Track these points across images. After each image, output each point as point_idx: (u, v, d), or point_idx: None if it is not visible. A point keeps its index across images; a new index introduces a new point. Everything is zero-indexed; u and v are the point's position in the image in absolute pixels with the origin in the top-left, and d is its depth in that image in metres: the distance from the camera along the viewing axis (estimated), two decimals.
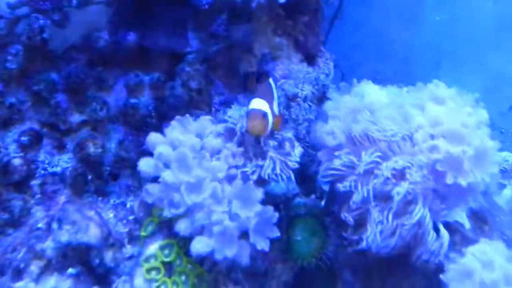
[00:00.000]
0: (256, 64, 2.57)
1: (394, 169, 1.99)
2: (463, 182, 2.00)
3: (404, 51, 3.32)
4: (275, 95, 2.12)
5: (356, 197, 2.01)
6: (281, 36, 2.66)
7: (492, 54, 3.27)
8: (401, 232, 1.99)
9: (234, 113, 2.16)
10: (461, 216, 2.14)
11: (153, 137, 2.07)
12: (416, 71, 3.24)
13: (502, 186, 2.43)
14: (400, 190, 1.97)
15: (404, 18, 3.30)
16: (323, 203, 2.53)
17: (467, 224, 2.13)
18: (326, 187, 2.53)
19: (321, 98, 2.65)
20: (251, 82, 2.27)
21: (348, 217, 2.05)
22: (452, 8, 3.29)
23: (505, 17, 3.24)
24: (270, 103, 2.03)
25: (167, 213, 1.95)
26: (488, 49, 3.26)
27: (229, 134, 2.13)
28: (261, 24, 2.58)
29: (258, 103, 1.99)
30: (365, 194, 2.01)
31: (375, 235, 1.98)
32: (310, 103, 2.60)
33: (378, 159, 2.01)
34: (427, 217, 2.00)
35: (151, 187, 2.01)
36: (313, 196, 2.60)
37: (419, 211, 1.98)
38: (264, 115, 1.95)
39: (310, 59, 2.77)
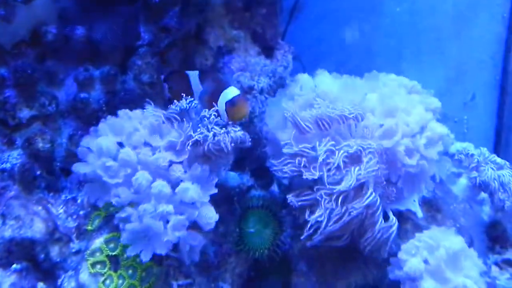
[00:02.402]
0: (211, 56, 2.55)
1: (346, 155, 1.98)
2: (412, 164, 1.99)
3: (366, 42, 3.31)
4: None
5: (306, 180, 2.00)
6: (238, 29, 2.65)
7: (453, 43, 3.27)
8: (348, 216, 1.97)
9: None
10: (413, 205, 2.15)
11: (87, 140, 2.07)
12: (378, 62, 3.24)
13: (459, 175, 2.43)
14: (351, 175, 1.95)
15: (366, 9, 3.29)
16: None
17: (419, 213, 2.14)
18: (285, 180, 2.50)
19: (278, 90, 2.63)
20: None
21: (293, 201, 2.02)
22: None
23: (465, 6, 3.24)
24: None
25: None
26: (449, 38, 3.26)
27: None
28: (216, 15, 2.56)
29: (233, 91, 2.09)
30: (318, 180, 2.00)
31: (324, 218, 1.96)
32: (267, 95, 2.59)
33: (332, 148, 2.00)
34: (377, 202, 1.99)
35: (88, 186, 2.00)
36: (272, 188, 2.58)
37: (370, 196, 1.97)
38: (247, 98, 2.06)
39: (268, 51, 2.75)
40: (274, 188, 2.55)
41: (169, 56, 2.47)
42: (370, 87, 2.26)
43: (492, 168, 2.33)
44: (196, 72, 2.24)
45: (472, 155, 2.40)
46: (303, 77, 2.29)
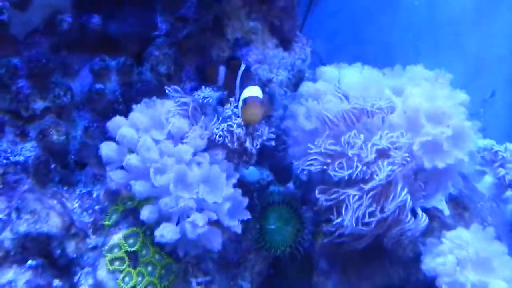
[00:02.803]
0: (228, 49, 2.49)
1: (375, 150, 1.91)
2: (441, 164, 1.93)
3: (383, 36, 3.24)
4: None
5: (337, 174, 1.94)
6: (256, 20, 2.58)
7: (472, 38, 3.21)
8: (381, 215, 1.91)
9: (202, 93, 2.05)
10: (440, 203, 2.09)
11: (115, 121, 1.97)
12: (395, 56, 3.18)
13: (484, 173, 2.37)
14: (381, 171, 1.89)
15: (383, 3, 3.23)
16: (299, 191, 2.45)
17: (446, 211, 2.10)
18: (303, 176, 2.44)
19: (297, 83, 2.59)
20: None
21: (321, 199, 1.95)
22: None
23: (484, 1, 3.17)
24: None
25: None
26: (468, 33, 3.20)
27: (196, 114, 2.04)
28: (234, 7, 2.50)
29: (253, 91, 1.94)
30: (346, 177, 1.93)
31: (353, 216, 1.89)
32: (286, 89, 2.53)
33: (360, 142, 1.93)
34: (408, 200, 1.93)
35: (114, 173, 1.92)
36: (290, 184, 2.52)
37: (401, 194, 1.91)
38: (261, 102, 1.91)
39: (286, 44, 2.69)
40: (290, 184, 2.48)
41: (186, 48, 2.38)
42: (395, 81, 2.18)
43: None
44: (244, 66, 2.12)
45: (497, 152, 2.34)
46: (327, 70, 2.20)
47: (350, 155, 1.91)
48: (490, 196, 2.33)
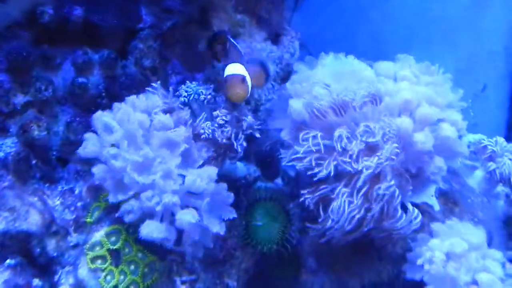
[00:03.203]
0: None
1: (364, 142, 1.87)
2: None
3: (374, 30, 3.20)
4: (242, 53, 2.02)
5: (321, 175, 1.89)
6: (243, 13, 2.55)
7: (464, 33, 3.17)
8: (367, 208, 1.88)
9: (188, 88, 2.00)
10: (429, 197, 2.04)
11: (98, 114, 1.91)
12: (386, 50, 3.10)
13: (474, 168, 2.33)
14: (369, 164, 1.85)
15: None
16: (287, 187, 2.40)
17: (436, 206, 2.04)
18: (291, 171, 2.40)
19: (285, 77, 2.57)
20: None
21: (308, 199, 1.91)
22: None
23: None
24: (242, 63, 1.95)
25: (112, 198, 1.80)
26: (460, 28, 3.15)
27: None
28: None
29: (234, 68, 1.92)
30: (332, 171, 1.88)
31: (341, 210, 1.85)
32: (273, 83, 2.49)
33: (349, 135, 1.89)
34: (396, 193, 1.89)
35: (97, 168, 1.86)
36: (278, 180, 2.47)
37: (389, 187, 1.86)
38: (243, 79, 1.88)
39: (274, 37, 2.66)
40: (279, 180, 2.44)
41: (172, 40, 2.33)
42: (384, 73, 2.14)
43: (510, 159, 2.22)
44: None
45: (487, 146, 2.31)
46: (312, 62, 2.16)
47: (339, 149, 1.86)
48: (480, 191, 2.29)
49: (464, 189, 2.25)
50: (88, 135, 1.88)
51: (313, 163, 1.91)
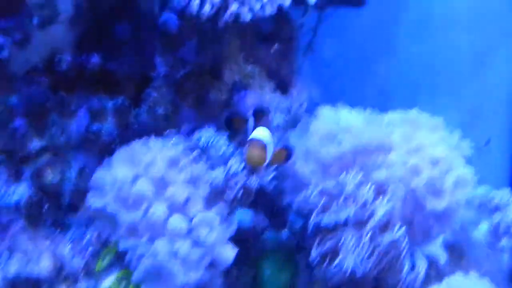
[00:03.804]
0: (226, 92, 2.48)
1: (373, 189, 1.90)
2: (439, 203, 1.94)
3: (380, 83, 3.25)
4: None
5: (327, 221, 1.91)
6: (253, 64, 2.59)
7: (468, 87, 3.21)
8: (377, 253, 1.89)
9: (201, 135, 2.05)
10: (436, 248, 2.05)
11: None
12: (392, 104, 3.16)
13: (479, 221, 2.35)
14: (380, 209, 1.87)
15: (380, 50, 3.24)
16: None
17: (443, 257, 2.04)
18: (298, 223, 2.40)
19: (294, 128, 2.56)
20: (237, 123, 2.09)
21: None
22: (428, 40, 3.23)
23: (481, 49, 3.19)
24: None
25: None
26: (464, 81, 3.20)
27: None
28: (231, 50, 2.50)
29: (260, 133, 1.88)
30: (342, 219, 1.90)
31: (350, 257, 1.86)
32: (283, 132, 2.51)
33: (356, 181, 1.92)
34: (404, 242, 1.89)
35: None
36: (284, 230, 2.48)
37: (397, 231, 1.88)
38: (264, 146, 1.84)
39: (283, 88, 2.69)
40: (289, 230, 2.44)
41: (185, 89, 2.38)
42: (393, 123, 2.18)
43: None
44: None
45: (492, 198, 2.33)
46: (325, 110, 2.19)
47: (347, 195, 1.89)
48: (485, 244, 2.30)
49: (469, 242, 2.25)
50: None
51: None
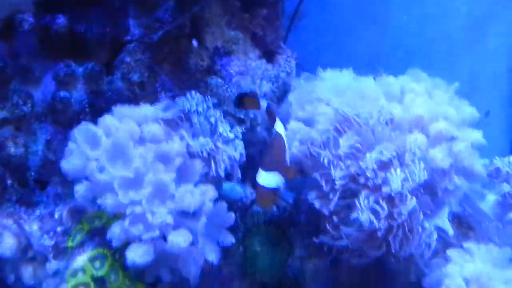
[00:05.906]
0: (207, 58, 2.30)
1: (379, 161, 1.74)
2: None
3: (371, 52, 3.09)
4: (286, 145, 1.81)
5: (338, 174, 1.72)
6: (237, 30, 2.43)
7: (465, 55, 3.07)
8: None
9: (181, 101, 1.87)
10: (443, 221, 1.90)
11: (82, 126, 1.73)
12: (385, 73, 3.02)
13: (484, 195, 2.19)
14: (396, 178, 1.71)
15: (371, 17, 3.09)
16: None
17: (451, 230, 1.91)
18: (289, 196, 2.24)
19: (281, 97, 2.44)
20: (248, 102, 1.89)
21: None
22: (421, 7, 3.08)
23: (477, 15, 3.05)
24: (284, 158, 1.77)
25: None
26: (460, 50, 3.06)
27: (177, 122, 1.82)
28: (213, 14, 2.34)
29: (267, 178, 1.70)
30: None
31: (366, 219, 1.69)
32: (269, 102, 2.34)
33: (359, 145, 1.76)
34: (418, 210, 1.75)
35: (79, 186, 1.68)
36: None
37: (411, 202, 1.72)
38: (275, 192, 1.70)
39: (269, 55, 2.54)
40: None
41: (162, 55, 2.19)
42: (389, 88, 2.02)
43: None
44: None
45: (499, 168, 2.17)
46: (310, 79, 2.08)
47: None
48: (494, 216, 2.14)
49: (477, 213, 2.09)
50: (72, 146, 1.70)
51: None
